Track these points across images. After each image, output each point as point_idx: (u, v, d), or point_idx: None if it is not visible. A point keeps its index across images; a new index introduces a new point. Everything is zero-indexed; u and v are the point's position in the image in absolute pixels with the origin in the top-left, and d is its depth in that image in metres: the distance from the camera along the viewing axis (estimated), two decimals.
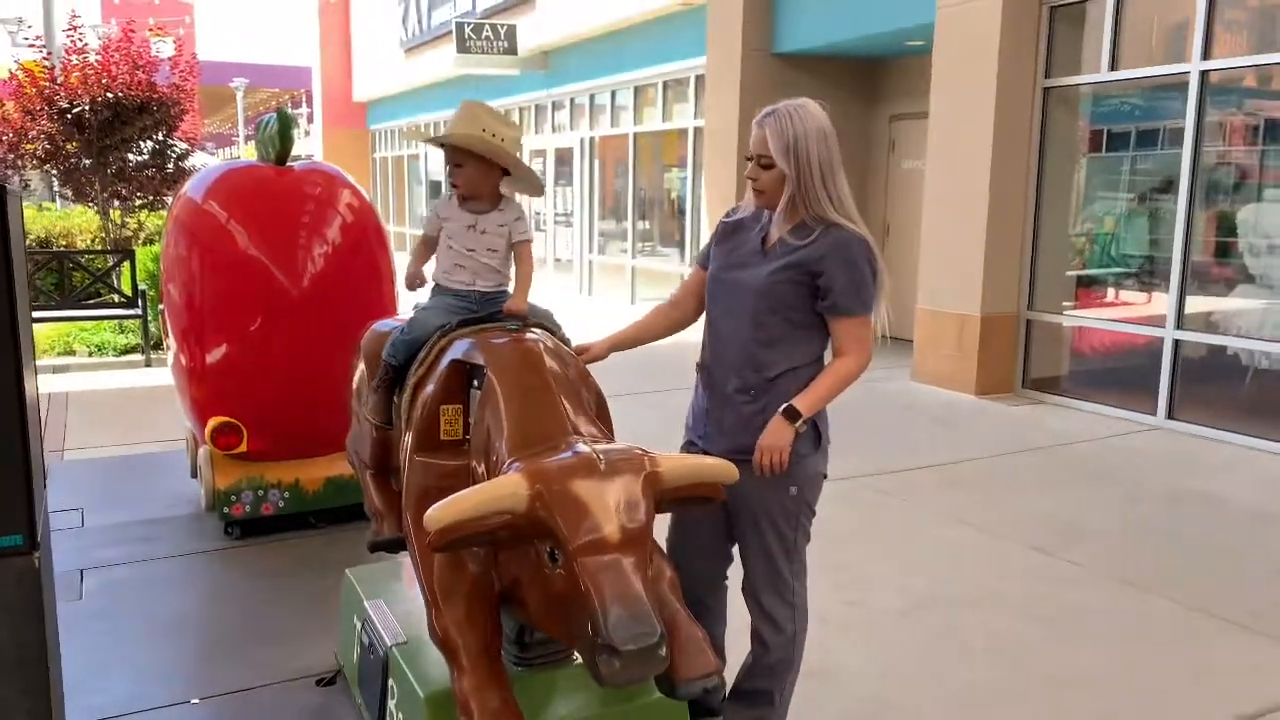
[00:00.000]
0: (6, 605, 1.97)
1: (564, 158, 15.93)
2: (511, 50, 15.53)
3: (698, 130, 12.25)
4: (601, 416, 2.61)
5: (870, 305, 2.57)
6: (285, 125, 4.56)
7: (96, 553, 4.47)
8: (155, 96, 9.98)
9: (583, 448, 2.20)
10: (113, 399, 8.09)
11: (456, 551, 2.36)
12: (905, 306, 8.55)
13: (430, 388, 2.63)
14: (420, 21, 19.54)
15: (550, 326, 2.83)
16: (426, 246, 2.92)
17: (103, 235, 10.51)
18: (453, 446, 2.62)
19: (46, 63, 10.01)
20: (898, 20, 8.98)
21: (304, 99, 35.68)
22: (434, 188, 21.59)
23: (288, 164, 4.70)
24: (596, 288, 15.29)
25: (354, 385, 3.33)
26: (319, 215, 4.62)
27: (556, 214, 16.19)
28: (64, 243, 10.50)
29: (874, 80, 11.02)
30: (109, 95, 9.53)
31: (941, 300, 8.35)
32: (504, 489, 2.10)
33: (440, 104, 20.10)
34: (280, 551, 4.49)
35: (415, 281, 2.90)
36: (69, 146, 9.69)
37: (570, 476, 2.11)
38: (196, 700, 3.25)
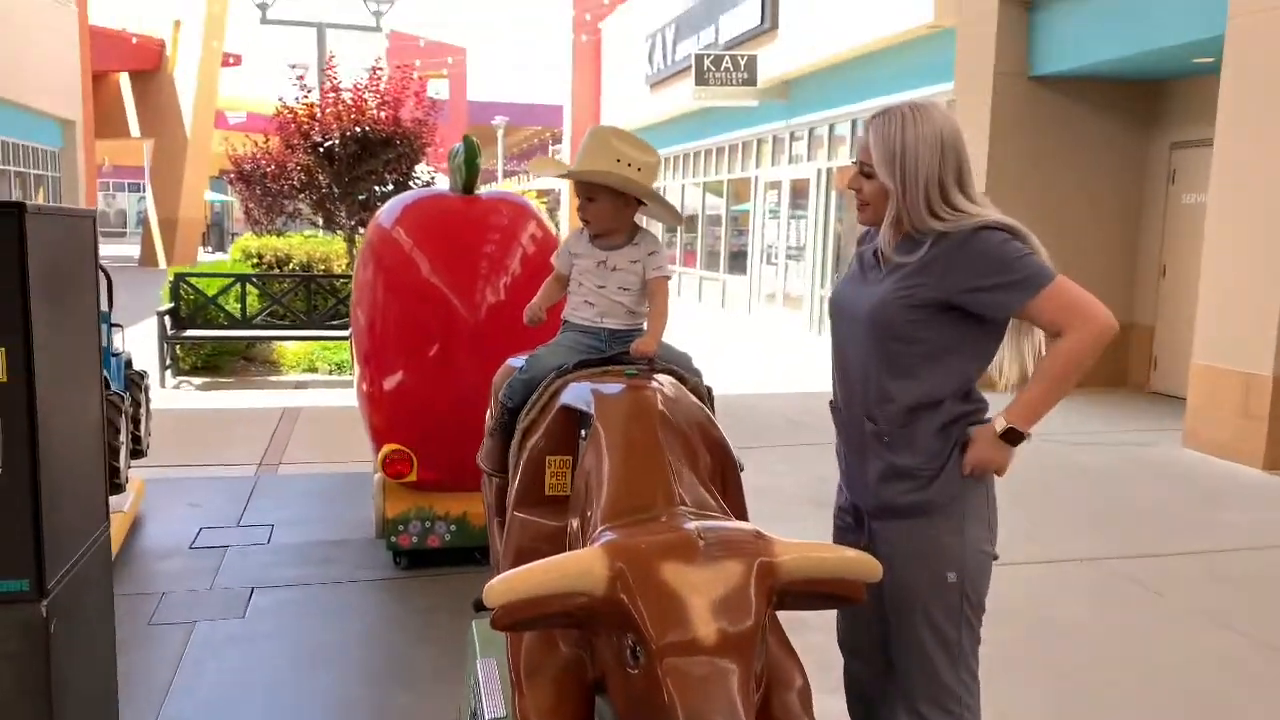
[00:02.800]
0: (8, 654, 1.82)
1: (799, 189, 15.46)
2: (751, 81, 15.29)
3: None
4: (727, 485, 2.20)
5: (1047, 269, 2.11)
6: (471, 154, 4.48)
7: (273, 571, 4.52)
8: (399, 131, 10.60)
9: (685, 523, 1.81)
10: (339, 416, 8.46)
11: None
12: (1179, 360, 7.46)
13: (538, 435, 2.33)
14: (665, 56, 19.76)
15: (682, 373, 2.46)
16: (557, 284, 2.68)
17: (348, 260, 11.22)
18: (559, 503, 2.30)
19: (307, 100, 10.86)
20: (1182, 34, 7.91)
21: (559, 136, 37.30)
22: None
23: (475, 193, 4.61)
24: (828, 325, 14.66)
25: (486, 425, 3.09)
26: (502, 245, 4.50)
27: (789, 247, 15.73)
28: (323, 267, 11.25)
29: (1151, 103, 9.85)
30: (357, 130, 10.18)
31: (1223, 355, 7.18)
32: (579, 566, 1.76)
33: (681, 137, 20.22)
34: (441, 588, 4.36)
35: (534, 314, 2.65)
36: (321, 178, 10.44)
37: (661, 558, 1.72)
38: None
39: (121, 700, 3.27)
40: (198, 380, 9.77)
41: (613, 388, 2.26)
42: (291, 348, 10.32)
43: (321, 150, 10.39)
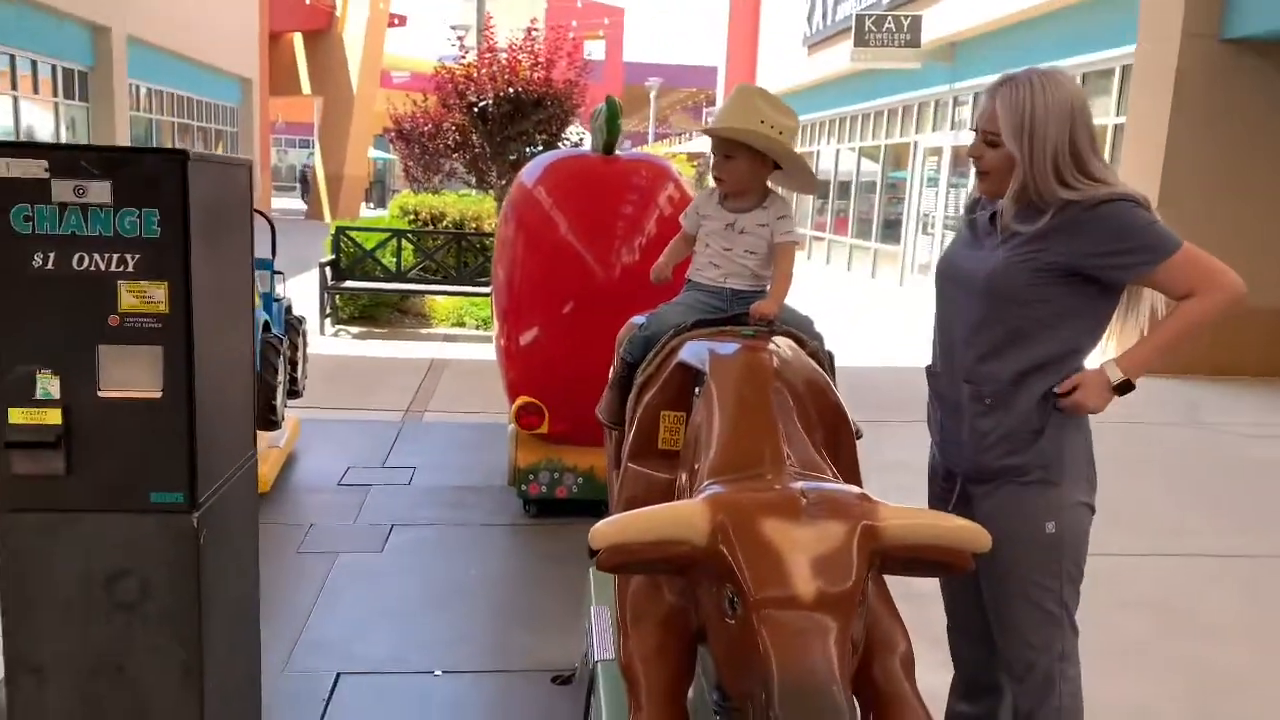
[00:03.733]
0: (166, 559, 1.99)
1: (962, 157, 14.88)
2: (914, 43, 14.77)
3: (1118, 128, 10.79)
4: (840, 450, 2.18)
5: (1174, 236, 2.11)
6: (613, 114, 4.51)
7: (413, 511, 4.75)
8: (551, 92, 10.75)
9: (789, 482, 1.82)
10: (483, 370, 8.74)
11: (654, 575, 2.09)
12: None
13: (654, 390, 2.36)
14: (825, 16, 19.29)
15: (801, 335, 2.43)
16: (684, 244, 2.70)
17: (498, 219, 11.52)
18: (672, 457, 2.33)
19: (464, 60, 11.15)
20: None
21: (712, 99, 37.03)
22: (822, 187, 21.29)
23: (615, 153, 4.65)
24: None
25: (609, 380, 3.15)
26: (639, 205, 4.54)
27: (947, 217, 15.20)
28: (474, 225, 11.59)
29: None
30: (510, 90, 10.39)
31: None
32: (683, 515, 1.79)
33: (838, 101, 19.75)
34: (567, 536, 4.48)
35: (660, 273, 2.68)
36: (474, 137, 10.72)
37: (764, 513, 1.74)
38: (439, 673, 3.27)
39: (266, 621, 3.51)
40: (355, 329, 10.28)
41: (728, 347, 2.26)
42: (441, 302, 10.72)
43: (475, 110, 10.67)
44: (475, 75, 10.72)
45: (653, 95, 37.69)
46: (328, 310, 10.08)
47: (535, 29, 11.13)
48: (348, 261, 10.49)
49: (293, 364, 5.40)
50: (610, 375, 2.80)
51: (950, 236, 15.62)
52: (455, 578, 4.04)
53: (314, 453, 5.58)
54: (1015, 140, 2.10)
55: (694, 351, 2.32)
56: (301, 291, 11.12)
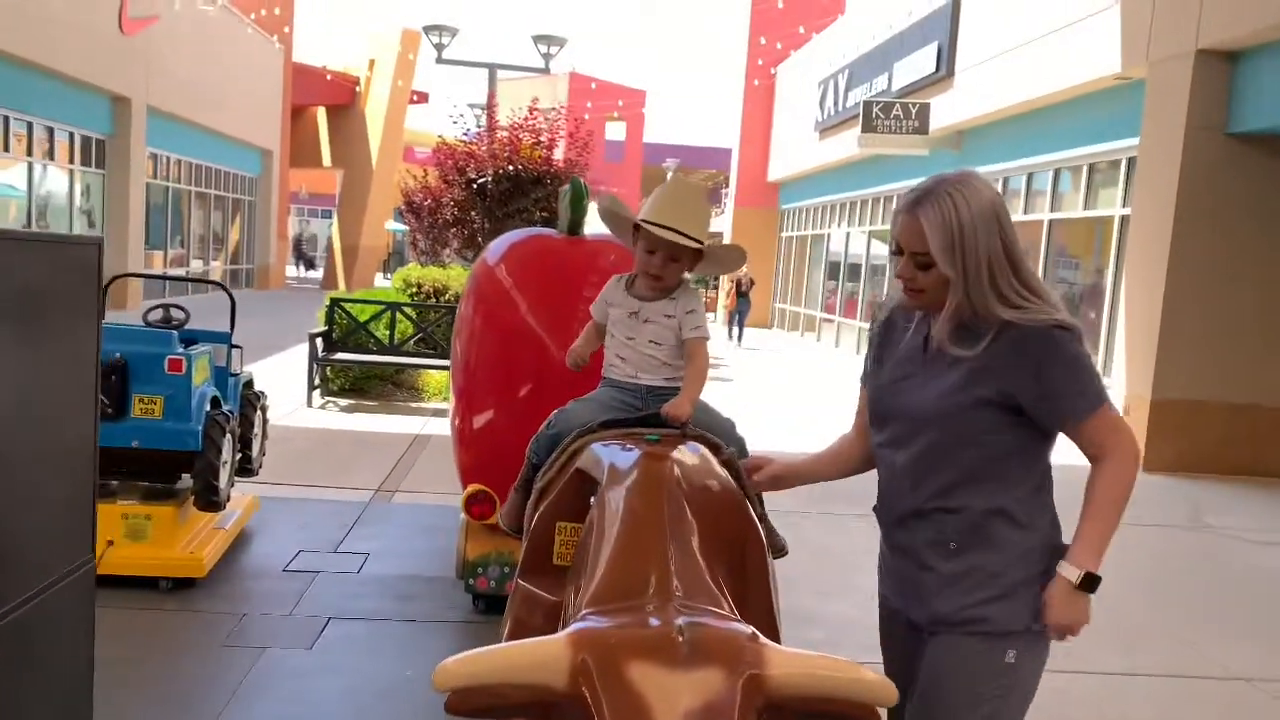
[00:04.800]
0: None
1: None
2: (922, 130, 14.78)
3: (1124, 219, 10.63)
4: (749, 575, 1.94)
5: (1103, 389, 1.96)
6: (578, 194, 4.37)
7: (355, 602, 4.49)
8: (551, 170, 10.72)
9: (666, 617, 1.58)
10: None
11: None
12: None
13: (551, 498, 2.15)
14: (836, 102, 19.43)
15: (716, 441, 2.22)
16: (595, 333, 2.52)
17: None
18: (566, 574, 2.10)
19: (465, 138, 11.19)
20: None
21: (726, 180, 37.43)
22: (832, 269, 21.23)
23: (581, 234, 4.50)
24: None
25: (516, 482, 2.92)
26: (602, 288, 4.35)
27: None
28: None
29: None
30: (510, 168, 10.38)
31: None
32: (543, 654, 1.56)
33: (849, 185, 19.78)
34: None
35: (576, 357, 2.51)
36: (473, 214, 10.68)
37: (632, 655, 1.51)
38: None
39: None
40: (344, 401, 10.11)
41: (627, 455, 2.05)
42: (435, 375, 10.56)
43: (475, 186, 10.65)
44: (476, 151, 10.75)
45: (669, 175, 37.90)
46: (317, 381, 9.93)
47: (537, 108, 11.17)
48: (340, 333, 10.38)
49: (247, 441, 5.21)
50: (518, 477, 2.58)
51: None
52: (387, 680, 3.76)
53: (267, 534, 5.35)
54: (948, 259, 1.90)
55: (593, 457, 2.11)
56: (294, 363, 11.04)
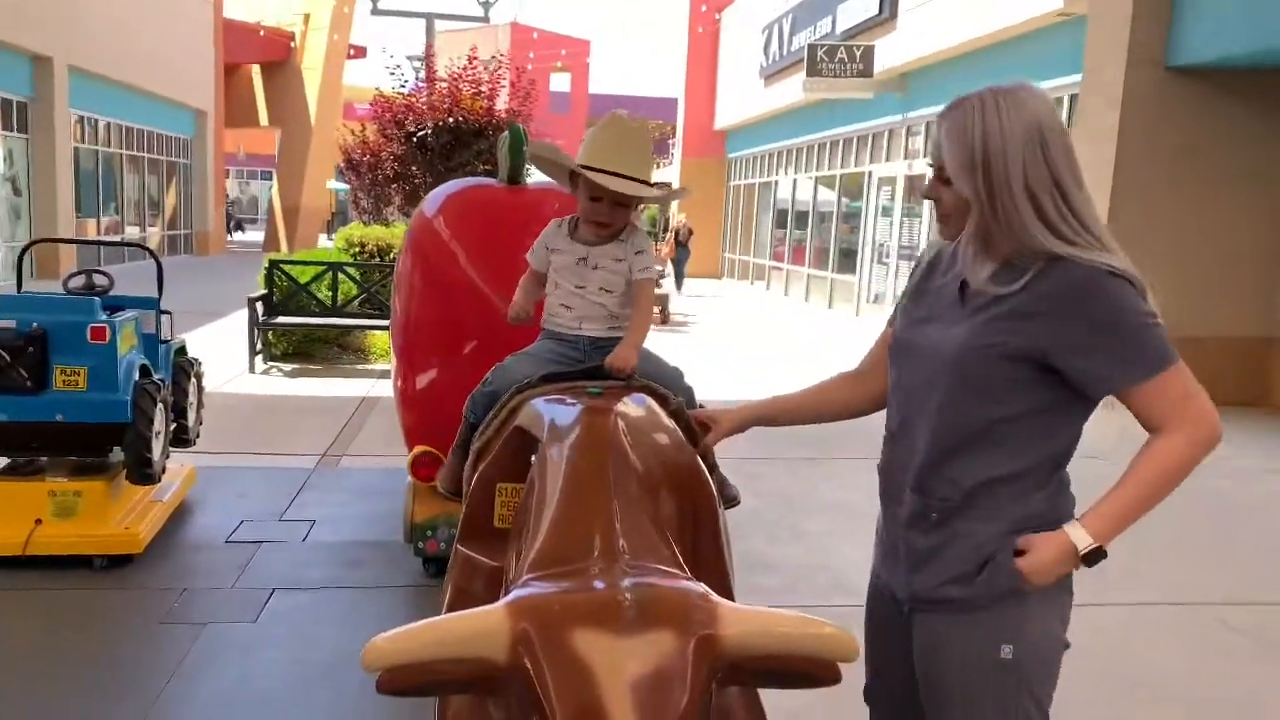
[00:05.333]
0: None
1: (916, 185, 14.76)
2: (866, 73, 14.66)
3: None
4: (700, 531, 1.85)
5: (1170, 351, 1.65)
6: (517, 141, 4.19)
7: (300, 571, 4.36)
8: (492, 121, 10.44)
9: (612, 579, 1.49)
10: None
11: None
12: None
13: (490, 458, 2.03)
14: (781, 47, 19.22)
15: (662, 390, 2.11)
16: (534, 283, 2.39)
17: None
18: (508, 538, 1.99)
19: (402, 90, 10.85)
20: None
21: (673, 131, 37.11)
22: (780, 217, 21.17)
23: (522, 183, 4.34)
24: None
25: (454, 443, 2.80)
26: (541, 233, 4.21)
27: (901, 246, 15.04)
28: None
29: None
30: (450, 120, 10.09)
31: None
32: (479, 625, 1.45)
33: (795, 131, 19.64)
34: None
35: (518, 310, 2.38)
36: (414, 168, 10.39)
37: (576, 622, 1.41)
38: None
39: (109, 706, 3.14)
40: (288, 366, 9.86)
41: (567, 410, 1.93)
42: (381, 336, 10.33)
43: (415, 140, 10.33)
44: (414, 104, 10.43)
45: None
46: (259, 347, 9.67)
47: (476, 58, 10.85)
48: (281, 296, 10.09)
49: (181, 410, 5.01)
50: (456, 438, 2.46)
51: (904, 267, 15.41)
52: (335, 651, 3.65)
53: (207, 505, 5.18)
54: (966, 176, 1.66)
55: (533, 414, 1.99)
56: (235, 329, 10.74)
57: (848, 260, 17.29)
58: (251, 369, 9.42)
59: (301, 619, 3.90)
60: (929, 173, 1.81)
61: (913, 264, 1.93)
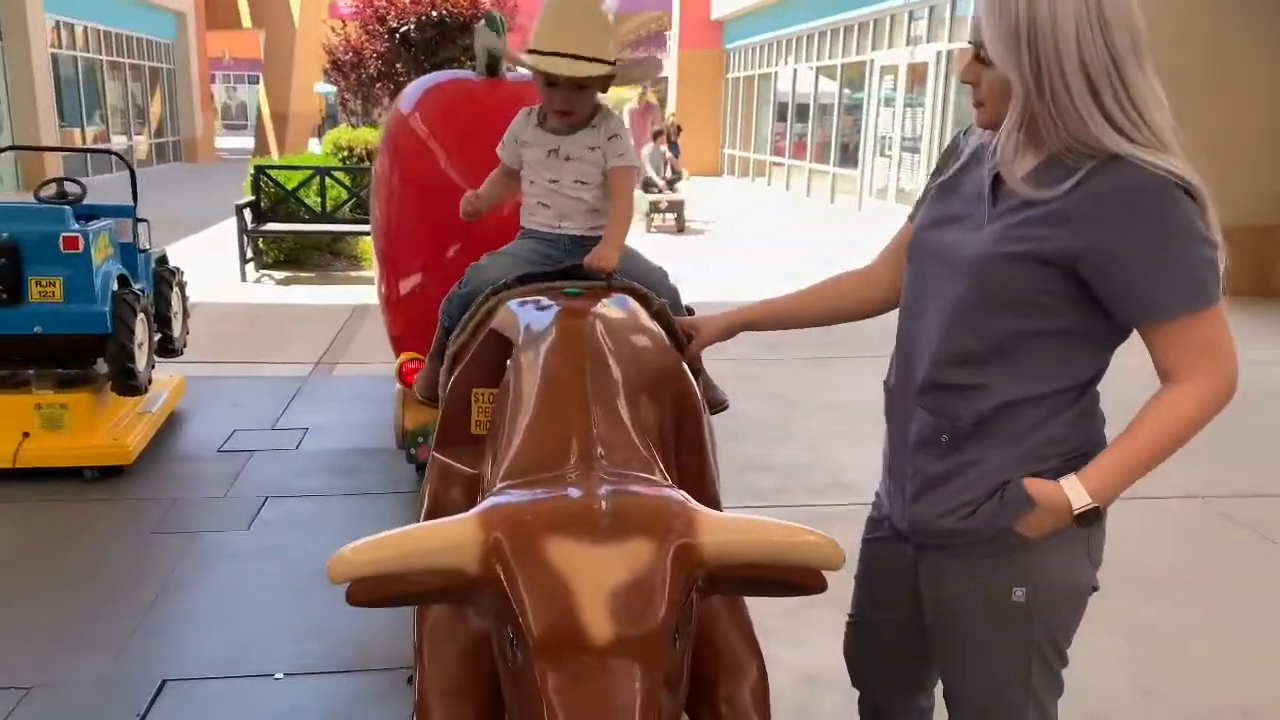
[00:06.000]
0: None
1: (918, 74, 14.33)
2: None
3: None
4: (683, 436, 1.78)
5: (1215, 286, 1.44)
6: (493, 30, 3.98)
7: (293, 481, 4.33)
8: (476, 14, 10.04)
9: (589, 487, 1.42)
10: None
11: None
12: None
13: (465, 362, 1.95)
14: None
15: (645, 291, 2.01)
16: (504, 180, 2.27)
17: None
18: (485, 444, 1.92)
19: None
20: None
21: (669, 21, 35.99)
22: (780, 110, 20.66)
23: (501, 74, 4.14)
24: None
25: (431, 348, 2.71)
26: (510, 125, 4.04)
27: (904, 138, 14.69)
28: None
29: None
30: (433, 14, 9.72)
31: None
32: (451, 535, 1.41)
33: (793, 19, 19.01)
34: None
35: (470, 205, 2.27)
36: (398, 65, 10.04)
37: (550, 530, 1.36)
38: (280, 675, 2.89)
39: (93, 620, 3.13)
40: (279, 274, 9.73)
41: (544, 312, 1.84)
42: (367, 242, 10.16)
43: (398, 36, 9.96)
44: None
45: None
46: (248, 255, 9.52)
47: None
48: (268, 202, 9.90)
49: (165, 320, 4.92)
50: (433, 343, 2.36)
51: (907, 160, 15.04)
52: (326, 559, 3.62)
53: (199, 416, 5.13)
54: (1008, 54, 1.43)
55: (509, 315, 1.90)
56: (225, 237, 10.56)
57: (850, 154, 16.93)
58: (243, 277, 9.30)
59: (294, 527, 3.88)
60: (965, 50, 1.55)
61: (945, 149, 1.71)
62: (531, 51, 2.04)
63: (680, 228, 13.10)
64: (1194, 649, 3.14)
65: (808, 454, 4.80)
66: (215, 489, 4.19)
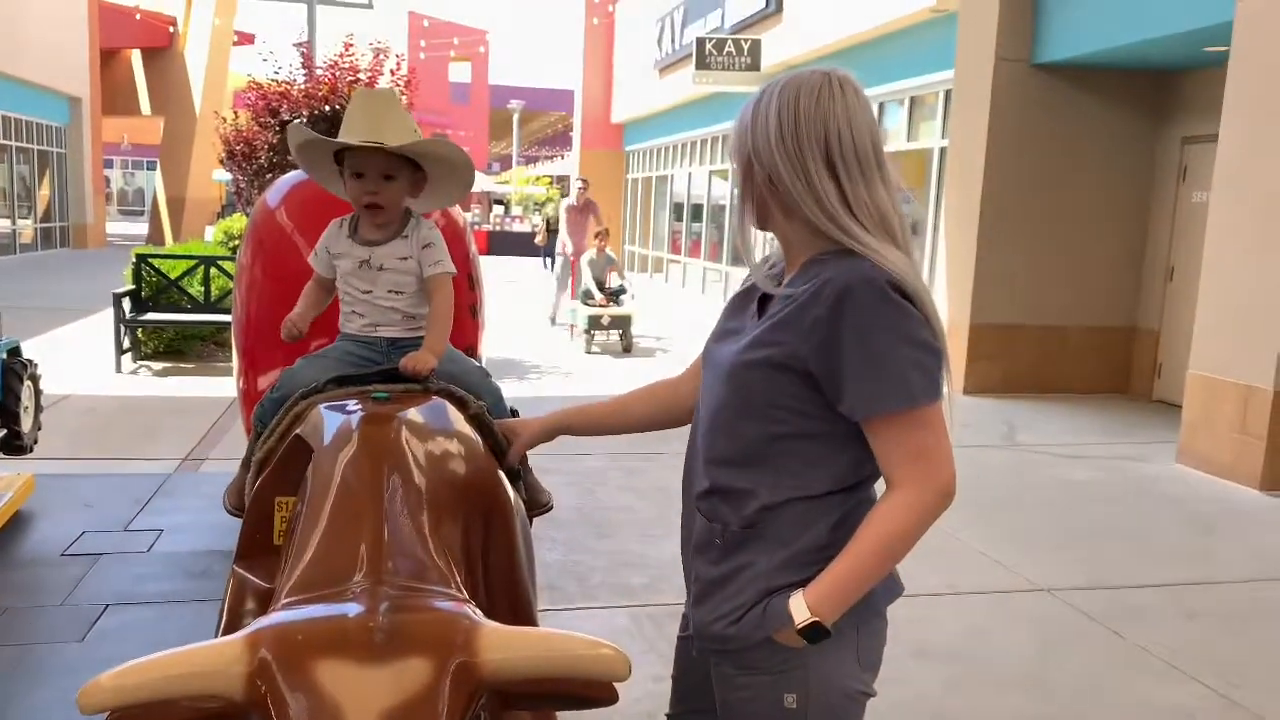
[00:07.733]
0: None
1: None
2: (754, 66, 14.76)
3: (942, 151, 10.91)
4: (492, 545, 1.78)
5: (923, 387, 1.46)
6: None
7: (140, 585, 4.14)
8: None
9: (370, 603, 1.40)
10: None
11: None
12: (1186, 368, 6.97)
13: (270, 470, 1.92)
14: (673, 40, 19.24)
15: (463, 394, 2.03)
16: (319, 290, 2.27)
17: None
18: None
19: (276, 77, 10.47)
20: (1192, 19, 7.32)
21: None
22: (676, 210, 21.23)
23: None
24: None
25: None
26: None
27: None
28: None
29: (1163, 96, 9.24)
30: (326, 108, 9.78)
31: (1221, 365, 6.65)
32: (215, 658, 1.37)
33: (688, 124, 19.70)
34: None
35: (290, 328, 2.24)
36: (289, 158, 9.99)
37: (319, 651, 1.32)
38: None
39: None
40: (158, 365, 9.45)
41: (346, 418, 1.83)
42: None
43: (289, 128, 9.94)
44: (289, 92, 10.07)
45: (515, 119, 37.17)
46: (125, 345, 9.23)
47: (353, 45, 10.51)
48: (150, 291, 9.67)
49: (13, 416, 4.72)
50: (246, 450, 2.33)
51: None
52: None
53: (46, 516, 4.89)
54: (740, 163, 1.59)
55: (315, 421, 1.89)
56: (105, 326, 10.23)
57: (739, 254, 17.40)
58: (118, 368, 8.99)
59: (134, 637, 3.69)
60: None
61: (758, 262, 1.73)
62: (341, 142, 2.07)
63: (626, 346, 11.30)
64: None
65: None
66: (52, 597, 3.98)
